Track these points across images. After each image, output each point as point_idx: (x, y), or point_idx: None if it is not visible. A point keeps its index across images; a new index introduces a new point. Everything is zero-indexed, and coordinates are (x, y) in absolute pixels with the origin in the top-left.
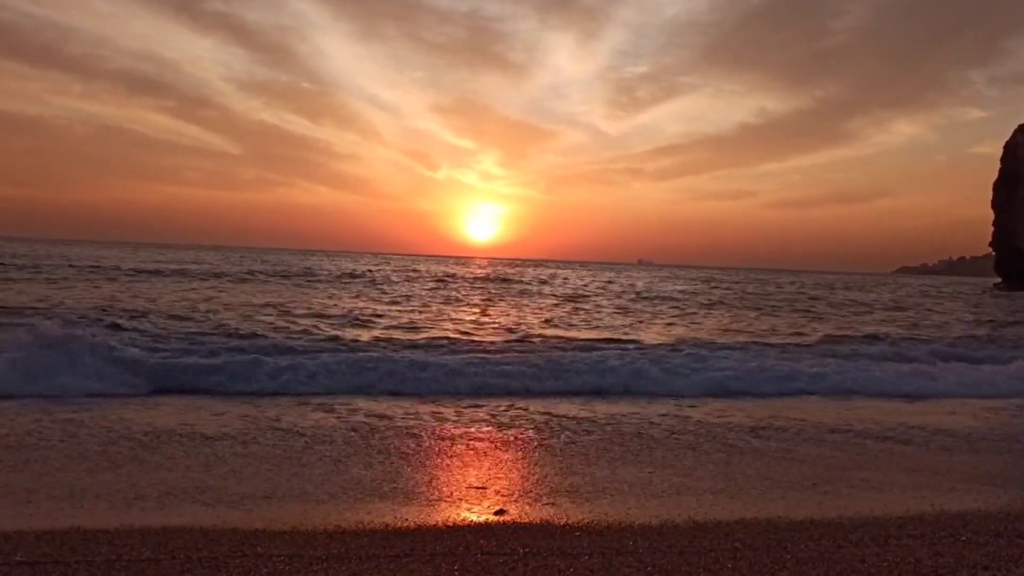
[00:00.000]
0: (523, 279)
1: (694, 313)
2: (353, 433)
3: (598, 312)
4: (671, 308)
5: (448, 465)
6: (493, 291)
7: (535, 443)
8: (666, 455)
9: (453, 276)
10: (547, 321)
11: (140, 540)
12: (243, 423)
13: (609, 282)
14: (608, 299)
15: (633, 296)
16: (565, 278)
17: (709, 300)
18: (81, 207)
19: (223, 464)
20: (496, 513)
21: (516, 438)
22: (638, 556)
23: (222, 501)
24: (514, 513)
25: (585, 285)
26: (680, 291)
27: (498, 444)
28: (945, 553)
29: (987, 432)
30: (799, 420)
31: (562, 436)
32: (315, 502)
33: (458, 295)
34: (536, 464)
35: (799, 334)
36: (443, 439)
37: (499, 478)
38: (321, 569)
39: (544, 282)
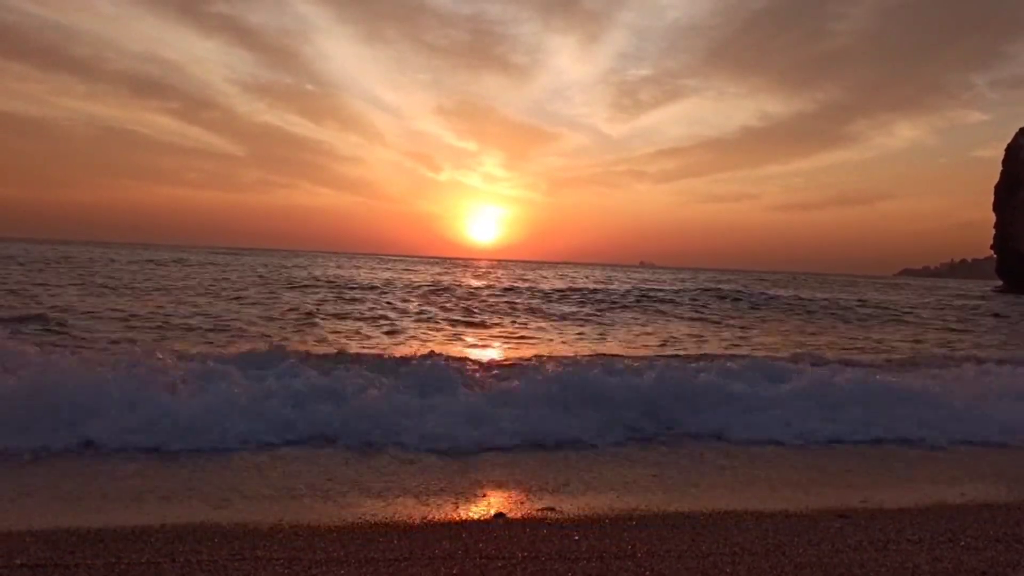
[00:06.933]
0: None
1: None
2: None
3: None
4: None
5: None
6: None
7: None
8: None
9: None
10: None
11: (140, 543)
12: None
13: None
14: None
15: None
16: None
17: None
18: (83, 208)
19: None
20: (495, 516)
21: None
22: (636, 560)
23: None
24: (513, 517)
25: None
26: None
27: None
28: (944, 558)
29: None
30: None
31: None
32: (313, 505)
33: None
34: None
35: None
36: None
37: (498, 482)
38: (320, 573)
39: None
